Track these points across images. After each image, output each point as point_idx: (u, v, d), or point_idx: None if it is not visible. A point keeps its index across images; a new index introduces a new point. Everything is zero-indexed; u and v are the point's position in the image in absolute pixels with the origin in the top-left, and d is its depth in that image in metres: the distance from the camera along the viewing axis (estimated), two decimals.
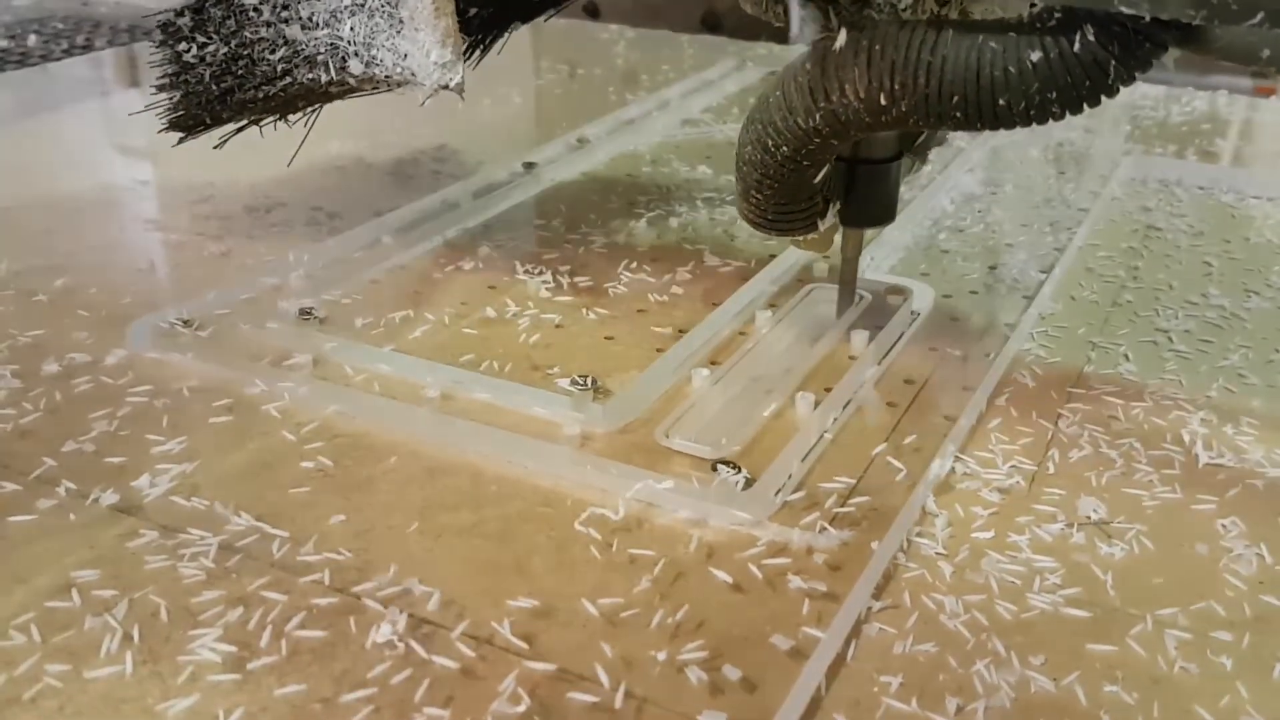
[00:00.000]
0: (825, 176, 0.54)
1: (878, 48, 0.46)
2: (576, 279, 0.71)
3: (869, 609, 0.44)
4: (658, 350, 0.62)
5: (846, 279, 0.63)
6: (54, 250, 0.74)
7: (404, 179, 0.90)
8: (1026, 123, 0.45)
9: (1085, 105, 0.45)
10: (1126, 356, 0.64)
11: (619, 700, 0.39)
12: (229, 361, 0.60)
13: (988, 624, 0.43)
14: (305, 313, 0.65)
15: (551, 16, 0.68)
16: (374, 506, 0.49)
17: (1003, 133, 0.97)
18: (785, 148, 0.50)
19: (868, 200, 0.58)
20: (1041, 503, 0.51)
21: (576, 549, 0.47)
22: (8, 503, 0.49)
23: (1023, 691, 0.40)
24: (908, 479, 0.51)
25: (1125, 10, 0.42)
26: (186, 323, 0.63)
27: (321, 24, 0.55)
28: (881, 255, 0.75)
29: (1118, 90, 0.45)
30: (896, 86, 0.45)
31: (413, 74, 0.54)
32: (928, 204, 0.84)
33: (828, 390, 0.58)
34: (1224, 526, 0.49)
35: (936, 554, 0.47)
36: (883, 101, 0.46)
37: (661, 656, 0.41)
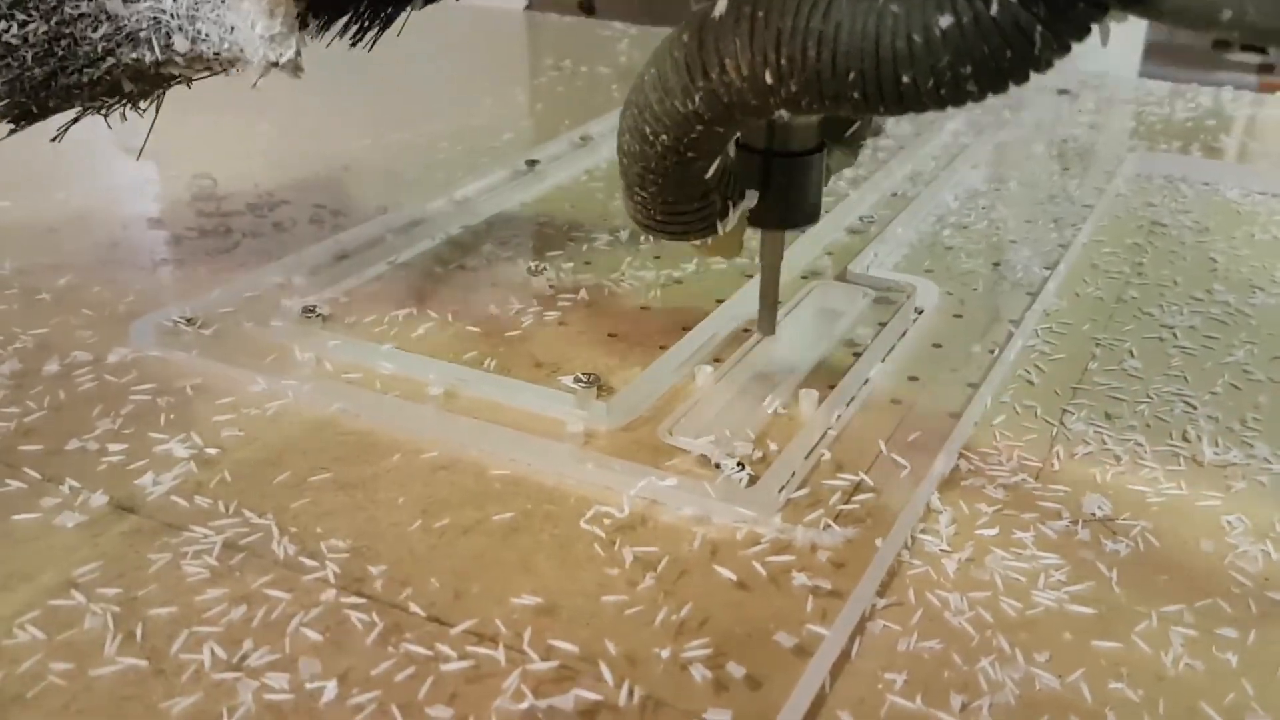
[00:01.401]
0: (721, 170, 0.47)
1: (761, 15, 0.38)
2: (580, 276, 0.71)
3: (873, 606, 0.44)
4: (661, 347, 0.62)
5: (766, 291, 0.56)
6: (57, 248, 0.74)
7: (406, 176, 0.90)
8: (939, 104, 0.38)
9: (1009, 81, 0.37)
10: (1131, 353, 0.63)
11: (623, 698, 0.39)
12: (232, 359, 0.59)
13: (992, 621, 0.43)
14: (308, 311, 0.64)
15: None
16: (377, 504, 0.49)
17: (1008, 128, 0.97)
18: (665, 135, 0.43)
19: (786, 198, 0.51)
20: (1046, 499, 0.50)
21: (580, 546, 0.47)
22: (11, 500, 0.49)
23: (1027, 688, 0.40)
24: (912, 476, 0.51)
25: None
26: (190, 321, 0.63)
27: None
28: (885, 251, 0.74)
29: (1048, 63, 0.37)
30: (784, 61, 0.38)
31: (241, 50, 0.50)
32: (932, 200, 0.84)
33: (831, 387, 0.57)
34: (1229, 523, 0.49)
35: (940, 550, 0.47)
36: (768, 79, 0.39)
37: (665, 654, 0.41)
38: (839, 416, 0.55)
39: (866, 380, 0.59)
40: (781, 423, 0.55)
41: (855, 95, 0.38)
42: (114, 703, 0.39)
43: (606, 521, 0.48)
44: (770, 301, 0.56)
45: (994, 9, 0.35)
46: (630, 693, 0.39)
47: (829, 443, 0.54)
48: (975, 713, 0.39)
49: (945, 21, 0.36)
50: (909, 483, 0.51)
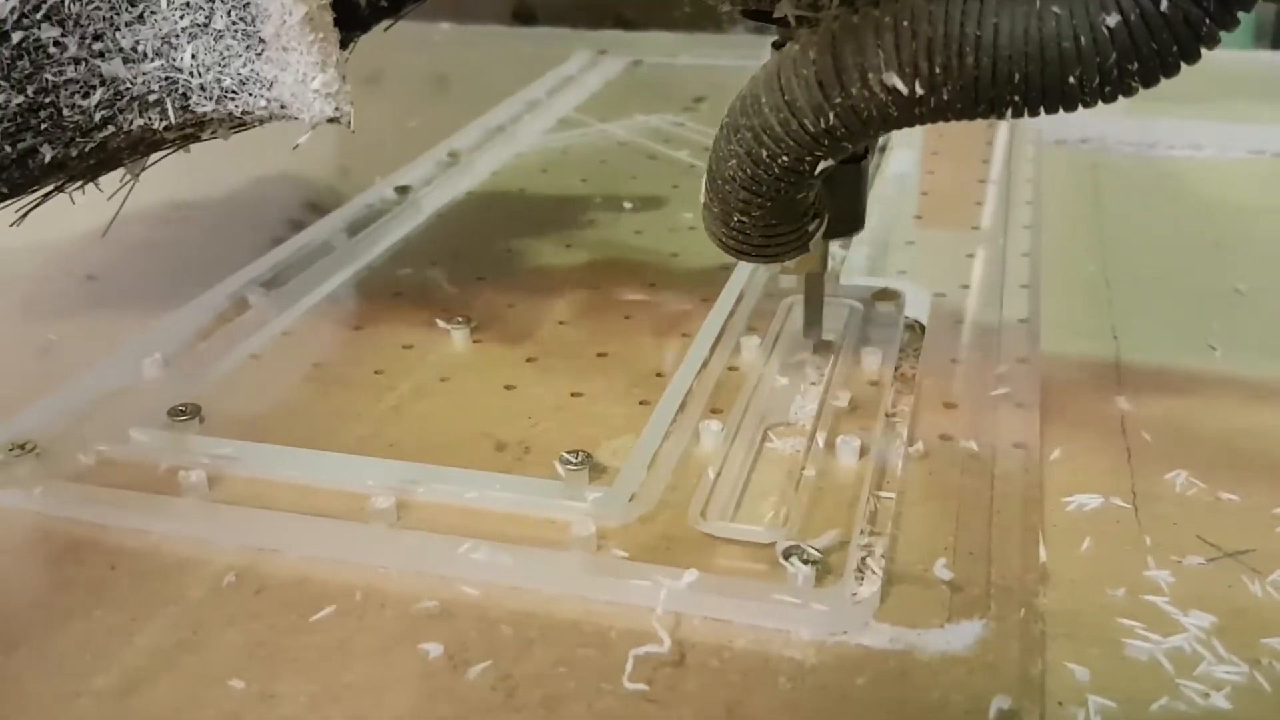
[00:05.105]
0: (816, 190, 0.46)
1: (906, 24, 0.38)
2: (509, 324, 0.58)
3: None
4: (640, 403, 0.51)
5: (813, 298, 0.55)
6: None
7: (250, 224, 0.75)
8: (1095, 101, 0.38)
9: (1166, 75, 0.37)
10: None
11: None
12: (93, 499, 0.45)
13: None
14: (178, 413, 0.50)
15: (390, 27, 0.56)
16: (358, 694, 0.36)
17: None
18: (785, 157, 0.41)
19: (840, 206, 0.49)
20: (1158, 537, 0.42)
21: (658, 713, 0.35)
22: None
23: None
24: (1020, 531, 0.42)
25: None
26: (21, 447, 0.47)
27: (151, 54, 0.43)
28: (850, 254, 0.65)
29: (1199, 55, 0.37)
30: (937, 70, 0.37)
31: (282, 106, 0.43)
32: (876, 194, 0.75)
33: (866, 430, 0.48)
34: None
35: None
36: (919, 90, 0.38)
37: None
38: (899, 470, 0.45)
39: (908, 415, 0.49)
40: (828, 485, 0.45)
41: (1015, 98, 0.37)
42: None
43: (659, 664, 0.36)
44: (818, 309, 0.55)
45: (1164, 5, 0.35)
46: None
47: (892, 504, 0.44)
48: None
49: (1113, 20, 0.36)
50: (1017, 543, 0.41)
